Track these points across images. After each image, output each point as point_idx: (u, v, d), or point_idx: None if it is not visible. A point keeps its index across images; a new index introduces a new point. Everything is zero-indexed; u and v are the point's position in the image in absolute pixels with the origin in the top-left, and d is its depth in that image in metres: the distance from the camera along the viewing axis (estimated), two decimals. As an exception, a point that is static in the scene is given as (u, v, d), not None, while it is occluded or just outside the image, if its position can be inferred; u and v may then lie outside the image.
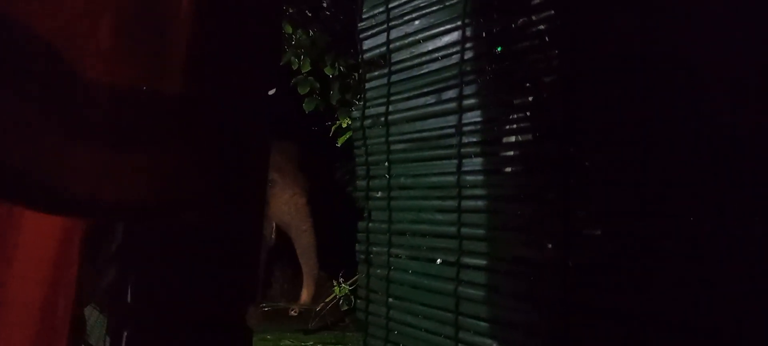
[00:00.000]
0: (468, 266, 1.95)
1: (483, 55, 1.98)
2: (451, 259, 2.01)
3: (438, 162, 2.12)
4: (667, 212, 1.43)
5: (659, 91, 1.43)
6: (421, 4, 2.21)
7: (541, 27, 1.77)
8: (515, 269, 1.80)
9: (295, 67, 4.20)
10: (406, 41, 2.27)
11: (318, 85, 4.25)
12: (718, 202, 1.32)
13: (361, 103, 2.52)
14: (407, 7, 2.27)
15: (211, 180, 0.98)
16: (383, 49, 2.39)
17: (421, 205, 2.20)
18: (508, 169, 1.91)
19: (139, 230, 1.04)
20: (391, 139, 2.34)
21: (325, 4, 4.25)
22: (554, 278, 1.64)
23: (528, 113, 1.84)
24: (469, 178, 1.98)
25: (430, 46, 2.16)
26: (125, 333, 1.05)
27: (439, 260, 2.10)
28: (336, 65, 4.19)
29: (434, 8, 2.15)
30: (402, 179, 2.29)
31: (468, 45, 2.00)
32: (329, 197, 5.01)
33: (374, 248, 2.41)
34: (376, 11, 2.43)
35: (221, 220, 1.03)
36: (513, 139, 1.90)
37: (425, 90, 2.18)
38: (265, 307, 5.10)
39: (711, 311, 1.30)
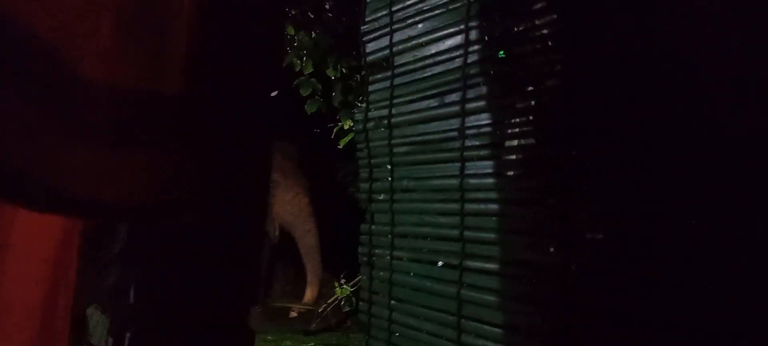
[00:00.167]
0: (470, 269, 1.95)
1: (485, 59, 1.98)
2: (454, 261, 2.01)
3: (440, 165, 2.12)
4: (667, 212, 1.43)
5: (659, 92, 1.43)
6: (424, 8, 2.21)
7: (544, 31, 1.77)
8: (517, 271, 1.80)
9: (297, 69, 4.21)
10: (409, 44, 2.28)
11: (320, 87, 4.26)
12: (718, 202, 1.32)
13: (364, 105, 2.52)
14: (410, 11, 2.28)
15: (212, 181, 0.98)
16: (386, 52, 2.40)
17: (423, 207, 2.21)
18: (510, 173, 1.92)
19: (141, 230, 1.04)
20: (393, 141, 2.35)
21: (327, 6, 4.25)
22: (556, 279, 1.64)
23: (530, 116, 1.84)
24: (471, 181, 1.98)
25: (433, 49, 2.16)
26: (127, 334, 1.05)
27: (441, 263, 2.10)
28: (338, 67, 4.19)
29: (437, 12, 2.16)
30: (404, 182, 2.30)
31: (470, 48, 2.01)
32: (331, 198, 5.01)
33: (376, 251, 2.41)
34: (379, 14, 2.44)
35: (223, 220, 1.03)
36: (515, 142, 1.90)
37: (428, 93, 2.19)
38: (267, 306, 5.09)
39: (711, 311, 1.30)
